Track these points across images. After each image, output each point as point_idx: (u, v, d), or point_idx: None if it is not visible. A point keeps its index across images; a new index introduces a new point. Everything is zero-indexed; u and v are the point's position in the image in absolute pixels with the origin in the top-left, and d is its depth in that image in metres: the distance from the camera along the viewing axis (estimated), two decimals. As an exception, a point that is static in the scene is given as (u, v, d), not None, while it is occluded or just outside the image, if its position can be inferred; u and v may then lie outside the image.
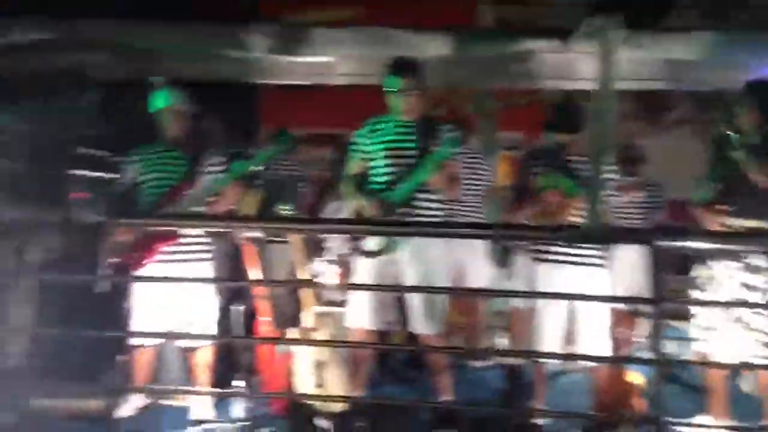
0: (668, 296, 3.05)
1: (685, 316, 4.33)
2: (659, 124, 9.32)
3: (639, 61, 4.76)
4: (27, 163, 4.46)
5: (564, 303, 4.24)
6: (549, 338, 4.25)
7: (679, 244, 2.86)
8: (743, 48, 4.55)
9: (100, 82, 4.83)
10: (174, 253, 4.27)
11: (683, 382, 4.92)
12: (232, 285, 4.77)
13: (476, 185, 5.59)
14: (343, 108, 7.94)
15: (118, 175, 4.46)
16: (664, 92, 7.93)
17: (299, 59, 5.00)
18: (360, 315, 4.20)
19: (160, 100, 4.44)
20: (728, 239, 3.57)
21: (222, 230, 4.46)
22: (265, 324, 4.54)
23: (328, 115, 8.27)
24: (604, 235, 3.93)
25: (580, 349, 4.24)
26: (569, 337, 4.29)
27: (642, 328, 5.65)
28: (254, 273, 4.50)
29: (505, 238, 4.77)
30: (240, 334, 4.46)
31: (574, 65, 4.91)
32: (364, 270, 4.17)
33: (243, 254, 4.62)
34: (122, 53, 4.70)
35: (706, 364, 4.22)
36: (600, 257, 4.27)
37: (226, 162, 4.59)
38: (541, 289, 4.29)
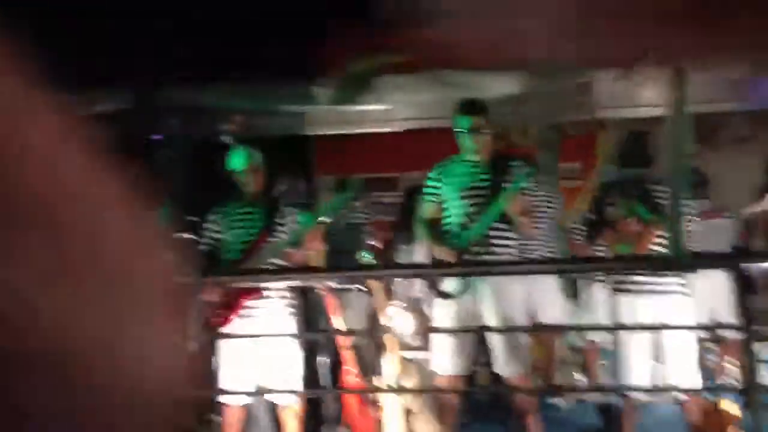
0: (757, 320, 2.96)
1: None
2: (717, 144, 9.17)
3: (703, 82, 4.73)
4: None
5: (649, 334, 4.16)
6: (636, 371, 4.16)
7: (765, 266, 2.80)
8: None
9: (176, 143, 4.97)
10: (257, 308, 4.32)
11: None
12: (316, 337, 4.78)
13: (544, 219, 5.55)
14: (398, 151, 8.04)
15: (201, 236, 4.54)
16: (720, 113, 7.82)
17: (363, 108, 5.10)
18: (444, 360, 4.16)
19: (239, 160, 4.52)
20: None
21: (304, 282, 4.48)
22: (350, 374, 4.53)
23: (382, 159, 8.36)
24: (688, 262, 3.86)
25: (669, 380, 4.14)
26: (658, 369, 4.20)
27: (732, 355, 5.49)
28: (337, 323, 4.50)
29: (588, 271, 4.71)
30: (326, 385, 4.44)
31: (636, 92, 4.91)
32: (443, 313, 4.15)
33: (319, 304, 4.64)
34: (194, 114, 4.84)
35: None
36: (683, 285, 4.18)
37: (298, 213, 4.65)
38: (624, 321, 4.21)
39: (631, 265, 3.91)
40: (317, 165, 9.02)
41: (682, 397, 4.24)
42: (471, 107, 4.18)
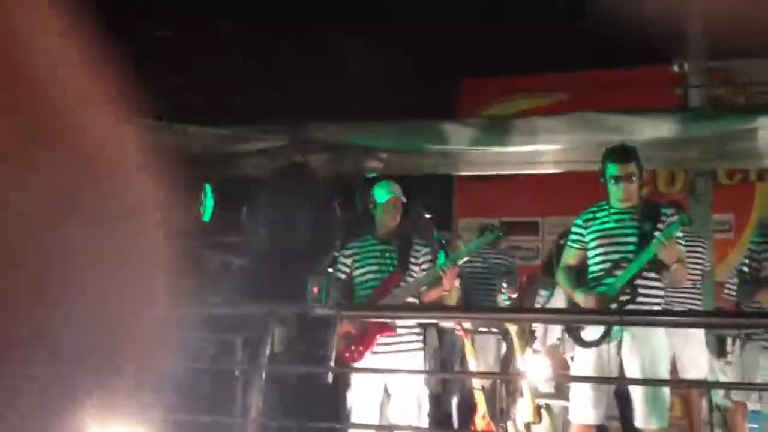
0: None
1: None
2: None
3: None
4: (265, 261, 4.77)
5: None
6: None
7: None
8: None
9: (323, 179, 5.14)
10: (389, 344, 4.35)
11: None
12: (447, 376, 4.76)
13: (694, 269, 5.29)
14: (540, 195, 7.94)
15: (335, 269, 4.64)
16: None
17: (507, 149, 5.07)
18: (581, 409, 4.03)
19: (384, 192, 4.60)
20: None
21: (440, 321, 4.48)
22: (480, 416, 4.46)
23: (524, 203, 8.26)
24: None
25: None
26: None
27: None
28: (470, 364, 4.46)
29: (736, 327, 4.43)
30: (455, 426, 4.40)
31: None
32: (583, 361, 4.03)
33: (454, 344, 4.61)
34: (341, 151, 5.00)
35: None
36: None
37: (435, 253, 4.66)
38: None
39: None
40: (459, 206, 9.05)
41: None
42: (621, 154, 4.07)
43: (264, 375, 3.55)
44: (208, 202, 4.82)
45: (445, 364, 5.35)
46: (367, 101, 6.41)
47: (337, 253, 4.77)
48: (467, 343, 4.43)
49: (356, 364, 4.31)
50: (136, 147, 0.46)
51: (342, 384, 4.32)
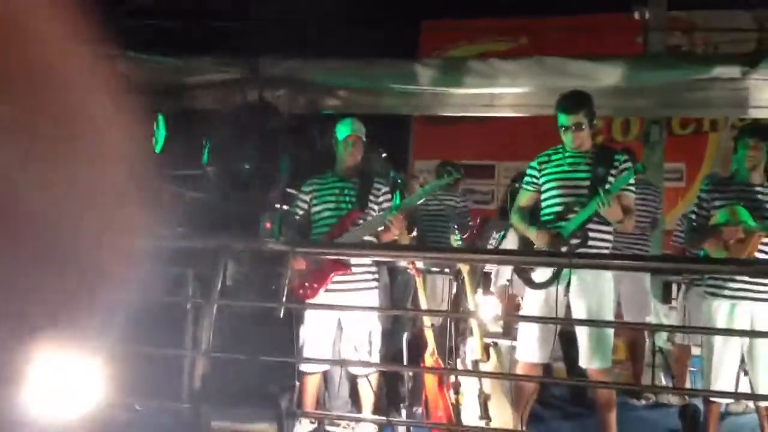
0: None
1: None
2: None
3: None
4: (221, 196, 4.72)
5: (741, 339, 4.02)
6: (724, 377, 4.03)
7: None
8: None
9: (281, 115, 5.08)
10: (344, 282, 4.37)
11: None
12: (400, 313, 4.82)
13: (644, 217, 5.41)
14: (497, 139, 7.97)
15: (293, 206, 4.63)
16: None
17: (465, 91, 5.06)
18: (527, 348, 4.13)
19: (345, 128, 4.57)
20: None
21: (391, 259, 4.52)
22: (429, 354, 4.54)
23: (480, 146, 8.29)
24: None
25: (758, 387, 4.00)
26: (745, 375, 4.10)
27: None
28: (421, 302, 4.53)
29: (683, 272, 4.56)
30: (405, 363, 4.48)
31: (756, 93, 4.67)
32: (531, 302, 4.11)
33: (406, 283, 4.66)
34: (300, 88, 4.93)
35: None
36: None
37: (391, 192, 4.67)
38: (717, 325, 4.09)
39: (730, 269, 3.76)
40: (415, 148, 9.05)
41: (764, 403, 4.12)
42: (569, 104, 4.09)
43: (215, 309, 3.55)
44: (160, 133, 4.73)
45: (397, 302, 5.42)
46: (326, 39, 6.30)
47: (293, 189, 4.75)
48: (419, 282, 4.48)
49: (310, 300, 4.34)
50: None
51: (295, 319, 4.35)
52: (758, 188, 4.16)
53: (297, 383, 4.31)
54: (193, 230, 4.09)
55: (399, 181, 5.37)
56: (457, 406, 4.16)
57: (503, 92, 5.03)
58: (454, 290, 4.91)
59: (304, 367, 4.40)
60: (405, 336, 4.51)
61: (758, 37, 7.88)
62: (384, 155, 5.83)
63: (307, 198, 4.60)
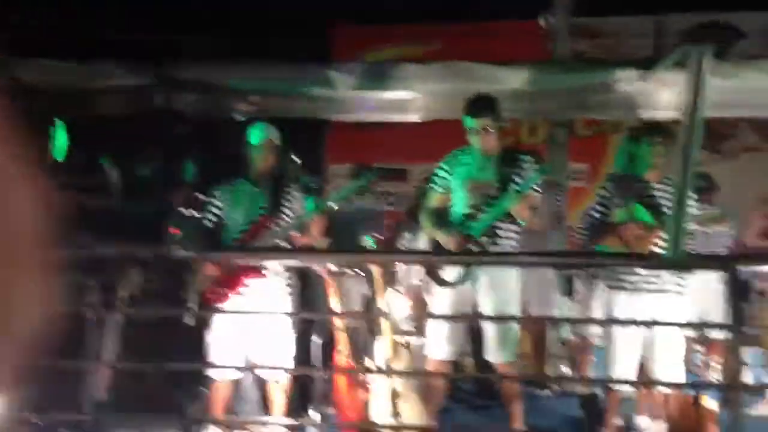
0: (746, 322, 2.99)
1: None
2: (724, 151, 9.19)
3: (721, 89, 4.69)
4: (123, 201, 4.61)
5: (640, 330, 4.22)
6: (624, 365, 4.22)
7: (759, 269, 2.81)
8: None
9: (188, 120, 4.99)
10: (255, 286, 4.35)
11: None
12: (311, 317, 4.83)
13: (548, 215, 5.59)
14: (411, 142, 8.05)
15: (204, 212, 4.57)
16: (728, 120, 7.86)
17: (379, 95, 5.08)
18: (436, 345, 4.22)
19: (257, 133, 4.54)
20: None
21: (304, 263, 4.52)
22: (341, 355, 4.57)
23: (394, 150, 8.36)
24: (684, 263, 3.88)
25: (656, 375, 4.21)
26: (645, 364, 4.28)
27: (717, 355, 5.56)
28: (333, 304, 4.55)
29: (589, 266, 4.74)
30: (317, 365, 4.49)
31: (654, 95, 4.86)
32: (441, 300, 4.22)
33: (318, 287, 4.68)
34: (210, 93, 4.85)
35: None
36: (680, 285, 4.25)
37: (306, 197, 4.67)
38: (617, 316, 4.28)
39: (628, 263, 3.93)
40: (329, 152, 9.07)
41: (666, 390, 4.36)
42: (476, 108, 4.20)
43: (120, 318, 3.48)
44: (61, 141, 4.59)
45: (311, 306, 5.41)
46: (237, 43, 6.26)
47: (203, 195, 4.69)
48: (331, 284, 4.50)
49: (220, 305, 4.29)
50: None
51: (203, 325, 4.29)
52: (657, 186, 4.36)
53: (206, 390, 4.26)
54: (98, 239, 3.99)
55: (313, 186, 5.38)
56: (367, 405, 4.20)
57: (416, 97, 5.08)
58: (368, 292, 4.95)
59: (212, 374, 4.35)
60: (318, 339, 4.53)
61: (656, 43, 8.25)
62: (297, 160, 5.83)
63: (218, 203, 4.55)
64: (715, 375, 5.34)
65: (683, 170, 4.06)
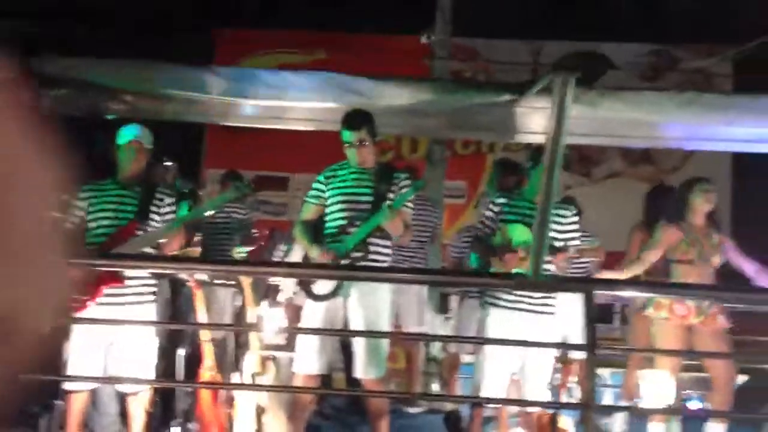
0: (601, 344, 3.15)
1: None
2: (591, 176, 9.68)
3: (585, 117, 4.90)
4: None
5: (513, 348, 4.32)
6: (492, 384, 4.32)
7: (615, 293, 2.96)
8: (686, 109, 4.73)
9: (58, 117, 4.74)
10: (118, 295, 4.17)
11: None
12: (175, 328, 4.69)
13: (422, 231, 5.67)
14: (292, 151, 8.01)
15: (68, 214, 4.35)
16: (595, 147, 8.29)
17: (254, 102, 5.00)
18: (305, 359, 4.18)
19: (128, 134, 4.37)
20: (662, 289, 3.70)
21: (170, 272, 4.39)
22: (207, 368, 4.46)
23: (275, 158, 8.30)
24: (545, 284, 4.02)
25: (525, 393, 4.33)
26: (516, 382, 4.41)
27: (575, 375, 5.80)
28: (200, 316, 4.43)
29: (458, 285, 4.84)
30: (181, 378, 4.36)
31: (526, 119, 5.02)
32: (311, 314, 4.19)
33: (190, 297, 4.56)
34: (78, 90, 4.63)
35: (639, 410, 4.36)
36: (549, 305, 4.38)
37: (177, 203, 4.55)
38: (490, 334, 4.37)
39: (493, 283, 4.05)
40: (209, 157, 8.89)
41: (531, 409, 4.50)
42: (353, 121, 4.23)
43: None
44: None
45: (181, 316, 5.25)
46: (117, 48, 6.03)
47: (67, 197, 4.47)
48: (198, 295, 4.39)
49: (79, 314, 4.09)
50: None
51: (61, 335, 4.08)
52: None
53: (61, 402, 4.05)
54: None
55: (186, 191, 5.24)
56: (231, 421, 4.12)
57: (294, 105, 5.03)
58: (239, 303, 4.87)
59: (68, 385, 4.14)
60: (182, 351, 4.40)
61: (534, 68, 8.60)
62: (172, 164, 5.67)
63: (83, 205, 4.35)
64: (574, 394, 5.57)
65: (545, 193, 4.23)
